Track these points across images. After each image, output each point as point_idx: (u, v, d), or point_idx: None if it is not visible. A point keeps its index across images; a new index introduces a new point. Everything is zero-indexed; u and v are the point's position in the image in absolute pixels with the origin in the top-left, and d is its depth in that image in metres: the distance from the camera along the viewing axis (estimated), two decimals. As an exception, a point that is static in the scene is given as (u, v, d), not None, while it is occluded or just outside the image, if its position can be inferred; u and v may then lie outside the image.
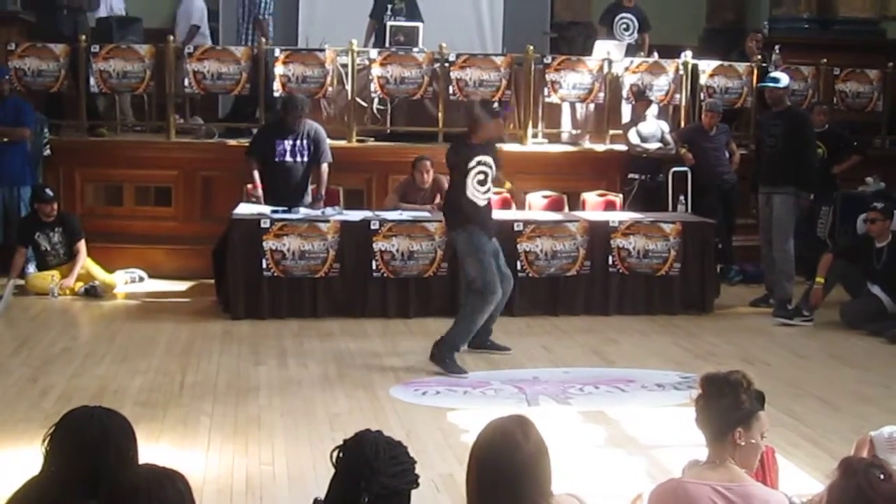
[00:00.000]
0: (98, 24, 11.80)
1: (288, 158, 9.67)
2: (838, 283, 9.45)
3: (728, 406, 3.47)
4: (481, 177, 7.56)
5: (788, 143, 9.56)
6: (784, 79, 9.92)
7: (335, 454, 2.83)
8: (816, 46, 13.22)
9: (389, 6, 11.79)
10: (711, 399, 3.52)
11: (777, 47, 12.40)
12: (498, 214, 9.86)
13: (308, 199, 9.77)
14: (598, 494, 4.73)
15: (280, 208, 9.29)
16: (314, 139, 9.73)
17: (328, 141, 9.96)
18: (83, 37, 10.81)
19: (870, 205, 9.64)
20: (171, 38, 11.09)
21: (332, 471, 2.88)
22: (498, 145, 11.28)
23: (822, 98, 12.06)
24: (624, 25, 12.41)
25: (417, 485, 2.85)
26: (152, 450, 5.51)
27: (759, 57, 12.15)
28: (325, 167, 9.82)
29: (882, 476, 3.04)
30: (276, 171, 9.67)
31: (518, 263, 9.16)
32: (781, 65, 11.96)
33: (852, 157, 11.15)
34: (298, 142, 9.66)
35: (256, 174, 9.67)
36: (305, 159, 9.72)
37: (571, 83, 11.34)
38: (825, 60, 12.32)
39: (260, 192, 9.58)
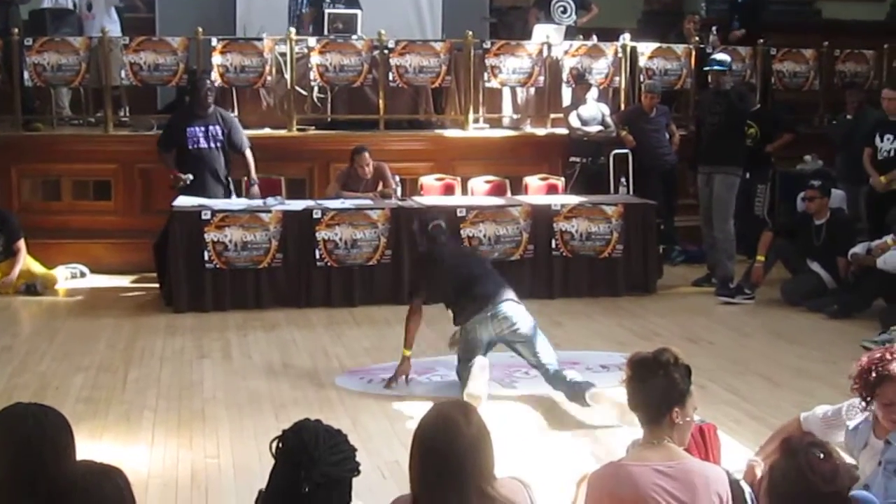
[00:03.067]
0: (31, 17, 11.61)
1: (202, 144, 9.48)
2: (778, 260, 9.57)
3: (664, 386, 3.50)
4: None
5: (730, 122, 9.67)
6: (728, 60, 10.09)
7: (274, 444, 2.82)
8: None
9: (329, -6, 11.74)
10: (644, 381, 3.53)
11: (715, 28, 12.50)
12: (439, 200, 9.93)
13: (230, 193, 9.65)
14: (543, 477, 4.75)
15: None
16: (227, 125, 9.60)
17: (243, 129, 9.90)
18: (16, 30, 10.63)
19: (808, 183, 9.74)
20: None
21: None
22: (438, 131, 11.38)
23: (760, 78, 12.17)
24: (561, 8, 12.44)
25: (358, 472, 2.84)
26: (95, 446, 5.49)
27: (697, 38, 12.23)
28: (248, 153, 9.71)
29: (822, 455, 3.08)
30: (194, 159, 9.48)
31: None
32: (719, 46, 12.07)
33: (784, 136, 11.24)
34: (211, 127, 9.50)
35: (172, 162, 9.53)
36: (219, 145, 9.54)
37: (511, 67, 11.35)
38: (762, 41, 12.42)
39: (183, 175, 9.40)
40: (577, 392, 6.32)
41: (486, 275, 6.86)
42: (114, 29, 11.40)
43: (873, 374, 3.96)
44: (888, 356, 3.99)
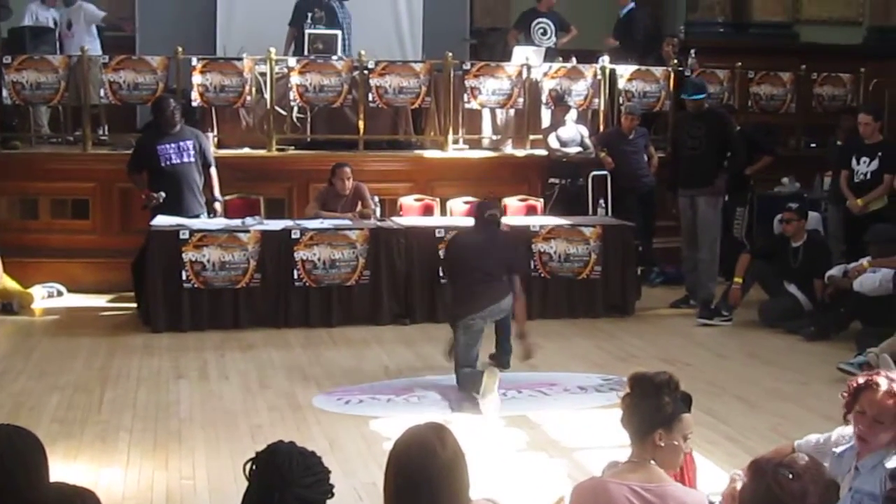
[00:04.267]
0: (10, 35, 11.58)
1: (175, 160, 9.39)
2: (756, 282, 9.60)
3: (650, 407, 3.52)
4: None
5: (712, 145, 9.72)
6: (707, 86, 10.15)
7: (248, 466, 2.81)
8: (731, 50, 13.41)
9: (309, 15, 11.74)
10: (636, 399, 3.57)
11: (693, 51, 12.59)
12: (418, 221, 9.95)
13: (202, 209, 9.57)
14: (519, 498, 4.75)
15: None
16: (198, 141, 9.55)
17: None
18: (-7, 48, 10.61)
19: (785, 206, 9.80)
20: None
21: (249, 484, 2.86)
22: (417, 152, 11.39)
23: (738, 101, 12.26)
24: (541, 30, 12.50)
25: (332, 495, 2.84)
26: (70, 467, 5.46)
27: (676, 61, 12.30)
28: (213, 171, 9.66)
29: (791, 475, 3.08)
30: (168, 176, 9.37)
31: (440, 270, 9.16)
32: (697, 69, 12.15)
33: (763, 158, 11.32)
34: (182, 143, 9.41)
35: (142, 182, 9.46)
36: (192, 159, 9.45)
37: (491, 89, 11.38)
38: (740, 64, 12.51)
39: (155, 193, 9.30)
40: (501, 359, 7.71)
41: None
42: (94, 47, 11.39)
43: (860, 382, 3.99)
44: (881, 374, 4.02)
